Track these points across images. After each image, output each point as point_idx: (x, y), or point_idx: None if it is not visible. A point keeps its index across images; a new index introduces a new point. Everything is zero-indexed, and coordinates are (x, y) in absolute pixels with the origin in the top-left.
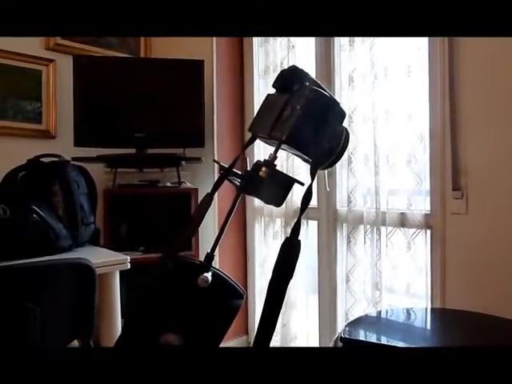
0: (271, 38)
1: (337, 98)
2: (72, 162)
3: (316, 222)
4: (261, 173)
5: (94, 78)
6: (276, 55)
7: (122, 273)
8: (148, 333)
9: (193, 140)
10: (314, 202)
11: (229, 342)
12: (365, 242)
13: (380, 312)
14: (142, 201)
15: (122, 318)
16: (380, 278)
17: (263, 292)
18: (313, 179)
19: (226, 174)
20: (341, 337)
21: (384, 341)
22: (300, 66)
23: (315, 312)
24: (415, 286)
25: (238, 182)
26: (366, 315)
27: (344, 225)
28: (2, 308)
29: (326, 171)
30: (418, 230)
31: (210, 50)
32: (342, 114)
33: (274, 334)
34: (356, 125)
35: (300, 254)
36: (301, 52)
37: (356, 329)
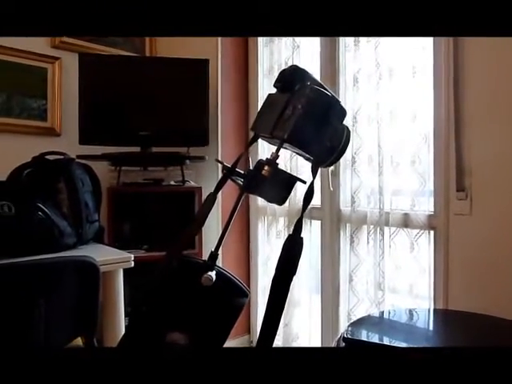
0: (276, 38)
1: (341, 98)
2: (77, 160)
3: (319, 221)
4: (263, 172)
5: (100, 76)
6: (281, 55)
7: (125, 271)
8: (154, 331)
9: (197, 139)
10: (317, 202)
11: (231, 341)
12: (368, 242)
13: (383, 312)
14: (146, 199)
15: (126, 316)
16: (383, 278)
17: (266, 291)
18: (314, 177)
19: (228, 173)
20: (343, 337)
21: (387, 341)
22: (304, 66)
23: (318, 312)
24: (418, 286)
25: (241, 181)
26: (369, 315)
27: (347, 225)
28: (7, 304)
29: (329, 171)
30: (422, 231)
31: (215, 50)
32: (343, 113)
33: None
34: (360, 125)
35: (303, 252)
36: (306, 52)
37: (359, 329)
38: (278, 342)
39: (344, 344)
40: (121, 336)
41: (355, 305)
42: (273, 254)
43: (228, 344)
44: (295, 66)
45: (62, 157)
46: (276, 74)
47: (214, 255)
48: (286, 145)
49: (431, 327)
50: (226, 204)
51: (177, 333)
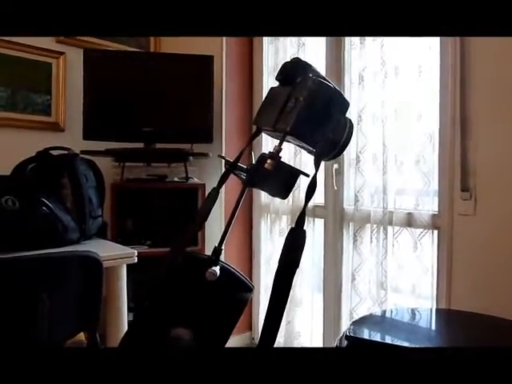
0: None
1: (346, 96)
2: (81, 156)
3: (322, 220)
4: (266, 165)
5: (104, 72)
6: (286, 52)
7: (128, 266)
8: (158, 327)
9: (201, 135)
10: (321, 200)
11: (232, 338)
12: (371, 241)
13: (385, 311)
14: (149, 195)
15: (128, 311)
16: (386, 277)
17: (268, 289)
18: (317, 170)
19: (231, 167)
20: (346, 335)
21: (389, 340)
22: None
23: (320, 310)
24: (421, 286)
25: (243, 175)
26: (371, 314)
27: (350, 224)
28: (11, 298)
29: (333, 170)
30: (425, 231)
31: (220, 46)
32: (346, 105)
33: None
34: (365, 123)
35: (305, 247)
36: (311, 50)
37: (361, 327)
38: (280, 339)
39: (346, 342)
40: (123, 331)
41: (357, 304)
42: (275, 252)
43: (229, 341)
44: (297, 58)
45: (66, 152)
46: None
47: (217, 250)
48: (288, 138)
49: (433, 327)
50: (229, 200)
51: (181, 328)
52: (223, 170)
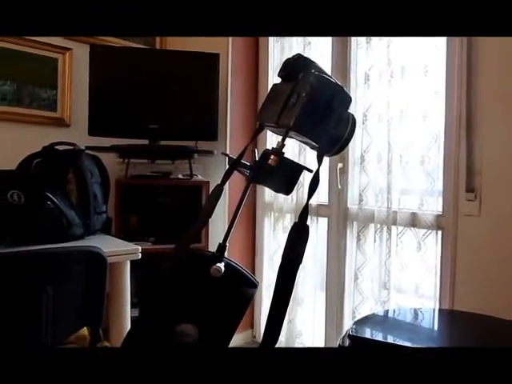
0: None
1: (352, 95)
2: (86, 151)
3: (326, 219)
4: (269, 161)
5: (110, 68)
6: (292, 51)
7: (131, 263)
8: (164, 323)
9: (206, 133)
10: (324, 199)
11: (234, 335)
12: (375, 240)
13: (388, 311)
14: (154, 192)
15: (132, 307)
16: (389, 277)
17: (271, 287)
18: (319, 165)
19: (234, 164)
20: (349, 334)
21: (393, 340)
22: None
23: (322, 309)
24: (424, 286)
25: (247, 172)
26: (374, 314)
27: (354, 223)
28: (15, 292)
29: (338, 169)
30: (429, 231)
31: (226, 44)
32: (348, 100)
33: None
34: (370, 123)
35: (308, 243)
36: (317, 48)
37: (364, 327)
38: (282, 338)
39: (349, 341)
40: (126, 327)
41: (360, 303)
42: (279, 250)
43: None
44: (299, 54)
45: (71, 147)
46: None
47: (222, 247)
48: (291, 133)
49: (436, 327)
50: (233, 197)
51: (186, 324)
52: (227, 167)
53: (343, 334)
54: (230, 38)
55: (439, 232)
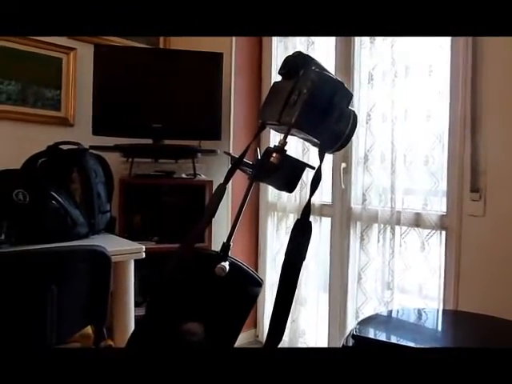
0: None
1: (355, 95)
2: (90, 151)
3: (330, 218)
4: (272, 159)
5: (114, 68)
6: (295, 50)
7: (134, 262)
8: (170, 322)
9: (209, 133)
10: (328, 199)
11: None
12: (378, 240)
13: (391, 311)
14: (157, 191)
15: (135, 306)
16: (392, 277)
17: (274, 286)
18: (321, 161)
19: (237, 163)
20: (353, 334)
21: (397, 340)
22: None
23: (325, 309)
24: (428, 287)
25: (250, 171)
26: (378, 314)
27: (358, 223)
28: (20, 291)
29: (341, 168)
30: (433, 231)
31: (230, 44)
32: (349, 96)
33: None
34: (374, 122)
35: (311, 236)
36: (320, 48)
37: (367, 327)
38: (285, 337)
39: (353, 341)
40: (130, 325)
41: (363, 303)
42: (282, 250)
43: None
44: (299, 51)
45: (75, 147)
46: None
47: (226, 246)
48: (293, 131)
49: (440, 327)
50: (236, 197)
51: (192, 323)
52: (230, 166)
53: (347, 333)
54: (234, 38)
55: (443, 232)
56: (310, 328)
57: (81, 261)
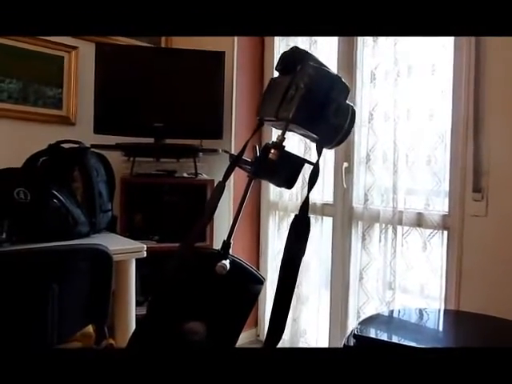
0: None
1: (358, 94)
2: (92, 149)
3: (331, 218)
4: (270, 155)
5: (116, 67)
6: None
7: (136, 261)
8: (171, 320)
9: (211, 132)
10: (329, 199)
11: None
12: (380, 240)
13: (393, 311)
14: (159, 190)
15: (137, 305)
16: (394, 277)
17: (275, 286)
18: (319, 156)
19: (235, 160)
20: (354, 334)
21: (398, 340)
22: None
23: (326, 308)
24: (429, 287)
25: (249, 168)
26: (379, 314)
27: (359, 222)
28: (21, 290)
29: (343, 168)
30: (435, 231)
31: (232, 42)
32: (347, 90)
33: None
34: (376, 122)
35: (310, 231)
36: (323, 47)
37: (369, 327)
38: (286, 336)
39: (354, 341)
40: (131, 324)
41: (364, 303)
42: (283, 249)
43: None
44: (295, 47)
45: (77, 145)
46: None
47: (226, 244)
48: (291, 126)
49: (441, 327)
50: (236, 196)
51: (194, 322)
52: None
53: (348, 333)
54: (236, 37)
55: (445, 232)
56: (311, 327)
57: (82, 260)
